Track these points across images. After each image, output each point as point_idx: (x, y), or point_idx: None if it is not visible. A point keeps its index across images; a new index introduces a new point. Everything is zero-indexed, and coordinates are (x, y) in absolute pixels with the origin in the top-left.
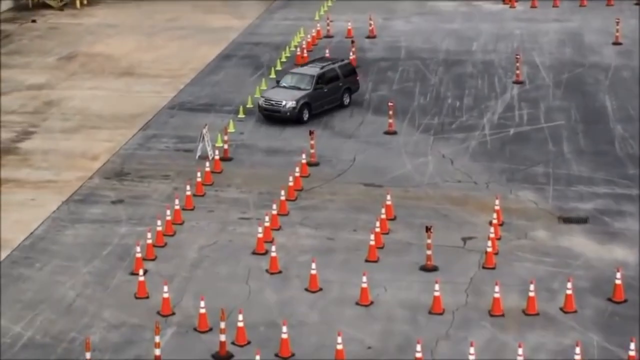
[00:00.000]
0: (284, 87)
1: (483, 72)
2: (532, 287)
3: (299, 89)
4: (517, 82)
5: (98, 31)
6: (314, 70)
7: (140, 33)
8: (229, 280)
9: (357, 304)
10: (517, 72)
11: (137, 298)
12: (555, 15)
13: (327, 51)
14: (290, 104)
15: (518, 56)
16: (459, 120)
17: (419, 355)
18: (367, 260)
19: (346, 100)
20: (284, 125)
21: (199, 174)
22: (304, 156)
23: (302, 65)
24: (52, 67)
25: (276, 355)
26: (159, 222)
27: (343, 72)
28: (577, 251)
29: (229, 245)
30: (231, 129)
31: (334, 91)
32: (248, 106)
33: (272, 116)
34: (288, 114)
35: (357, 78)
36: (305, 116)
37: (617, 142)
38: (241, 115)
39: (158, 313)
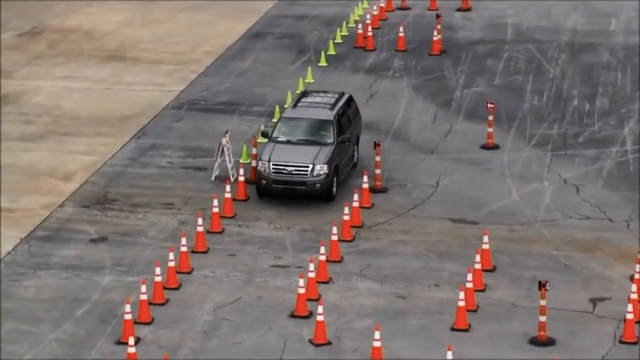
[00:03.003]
0: (287, 142)
1: (625, 62)
2: None
3: (314, 143)
4: None
5: None
6: (326, 113)
7: (133, 0)
8: (256, 354)
9: None
10: None
11: None
12: None
13: (400, 29)
14: (321, 168)
15: None
16: (589, 131)
17: None
18: (453, 329)
19: (356, 157)
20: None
21: (215, 202)
22: (365, 179)
23: (294, 106)
24: (8, 47)
25: None
26: (157, 270)
27: (352, 113)
28: None
29: (257, 303)
30: (262, 140)
31: (350, 145)
32: (287, 107)
33: (290, 192)
34: (318, 185)
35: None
36: (335, 188)
37: None
38: (277, 119)
39: None
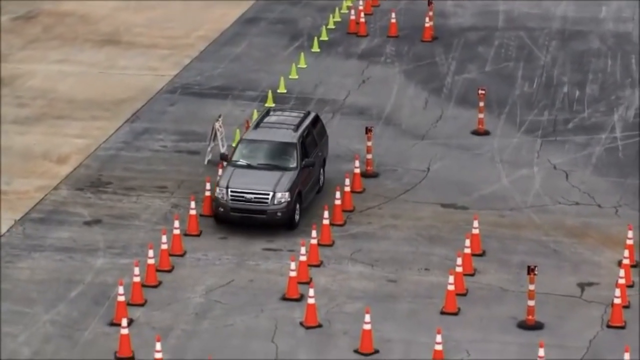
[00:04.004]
0: (247, 166)
1: (615, 50)
2: None
3: (276, 168)
4: None
5: None
6: (289, 135)
7: None
8: (247, 336)
9: None
10: None
11: (118, 359)
12: None
13: (392, 16)
14: (282, 196)
15: None
16: (579, 117)
17: None
18: (442, 312)
19: (322, 180)
20: (330, 120)
21: (208, 186)
22: (357, 163)
23: (256, 126)
24: (4, 30)
25: None
26: (150, 253)
27: (317, 134)
28: None
29: (249, 286)
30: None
31: (316, 168)
32: (280, 91)
33: (248, 221)
34: (279, 214)
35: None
36: (297, 215)
37: None
38: (270, 104)
39: None
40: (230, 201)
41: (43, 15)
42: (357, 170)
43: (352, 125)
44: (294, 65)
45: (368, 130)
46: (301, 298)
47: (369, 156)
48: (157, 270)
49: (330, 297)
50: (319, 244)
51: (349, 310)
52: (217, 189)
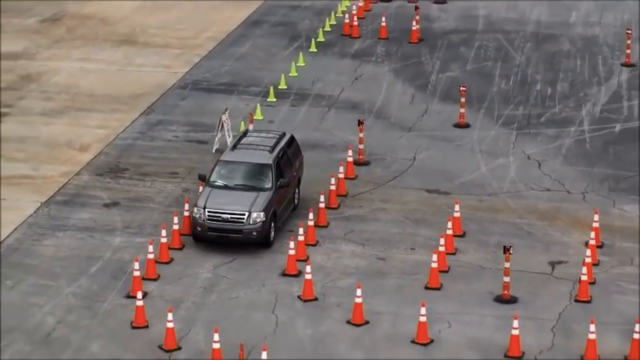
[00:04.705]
0: (224, 187)
1: (583, 51)
2: (637, 327)
3: (252, 188)
4: (627, 65)
5: None
6: (265, 156)
7: None
8: (250, 308)
9: (413, 342)
10: (628, 51)
11: (134, 327)
12: None
13: (383, 19)
14: (258, 215)
15: (629, 31)
16: (551, 112)
17: None
18: (427, 287)
19: (297, 199)
20: (326, 113)
21: (187, 206)
22: (350, 153)
23: (233, 148)
24: (32, 31)
25: None
26: (163, 232)
27: (292, 154)
28: None
29: (252, 263)
30: (258, 116)
31: (290, 188)
32: (280, 87)
33: (225, 240)
34: (254, 233)
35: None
36: (272, 234)
37: None
38: (271, 99)
39: (160, 347)
40: (207, 221)
41: (67, 18)
42: (350, 159)
43: (346, 118)
44: (293, 63)
45: (360, 123)
46: (299, 274)
47: (361, 146)
48: (169, 248)
49: (325, 273)
50: (315, 225)
51: (342, 285)
52: (195, 209)
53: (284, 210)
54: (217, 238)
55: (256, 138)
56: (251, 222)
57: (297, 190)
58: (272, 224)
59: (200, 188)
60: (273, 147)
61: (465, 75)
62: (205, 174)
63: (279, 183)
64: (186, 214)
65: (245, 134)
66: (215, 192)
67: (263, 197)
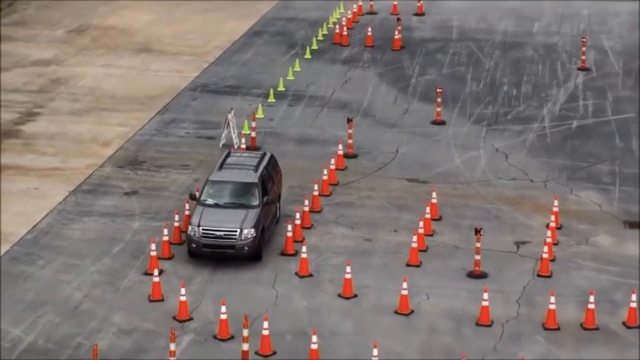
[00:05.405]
0: (215, 205)
1: (544, 57)
2: (592, 298)
3: (241, 206)
4: (582, 69)
5: (112, 1)
6: (251, 175)
7: (159, 4)
8: (253, 284)
9: (395, 312)
10: (583, 57)
11: (151, 301)
12: None
13: (369, 29)
14: (249, 232)
15: (584, 39)
16: (516, 111)
17: None
18: (408, 265)
19: (278, 213)
20: (320, 112)
21: (177, 217)
22: (340, 147)
23: (220, 168)
24: (60, 40)
25: None
26: (176, 217)
27: (273, 172)
28: None
29: None
30: (259, 115)
31: (274, 204)
32: (279, 89)
33: (219, 256)
34: (246, 249)
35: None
36: (262, 248)
37: None
38: (271, 100)
39: (174, 318)
40: (201, 238)
41: (91, 29)
42: (340, 152)
43: (337, 117)
44: (290, 68)
45: (349, 121)
46: (296, 253)
47: (350, 141)
48: (182, 232)
49: (319, 253)
50: (310, 211)
51: (334, 263)
52: (189, 227)
53: (270, 225)
54: (211, 254)
55: (239, 158)
56: (243, 238)
57: (278, 206)
58: (262, 238)
59: (187, 205)
60: (257, 167)
61: (442, 78)
62: (195, 193)
63: (265, 200)
64: (176, 224)
65: (228, 154)
66: (207, 210)
67: (252, 214)
